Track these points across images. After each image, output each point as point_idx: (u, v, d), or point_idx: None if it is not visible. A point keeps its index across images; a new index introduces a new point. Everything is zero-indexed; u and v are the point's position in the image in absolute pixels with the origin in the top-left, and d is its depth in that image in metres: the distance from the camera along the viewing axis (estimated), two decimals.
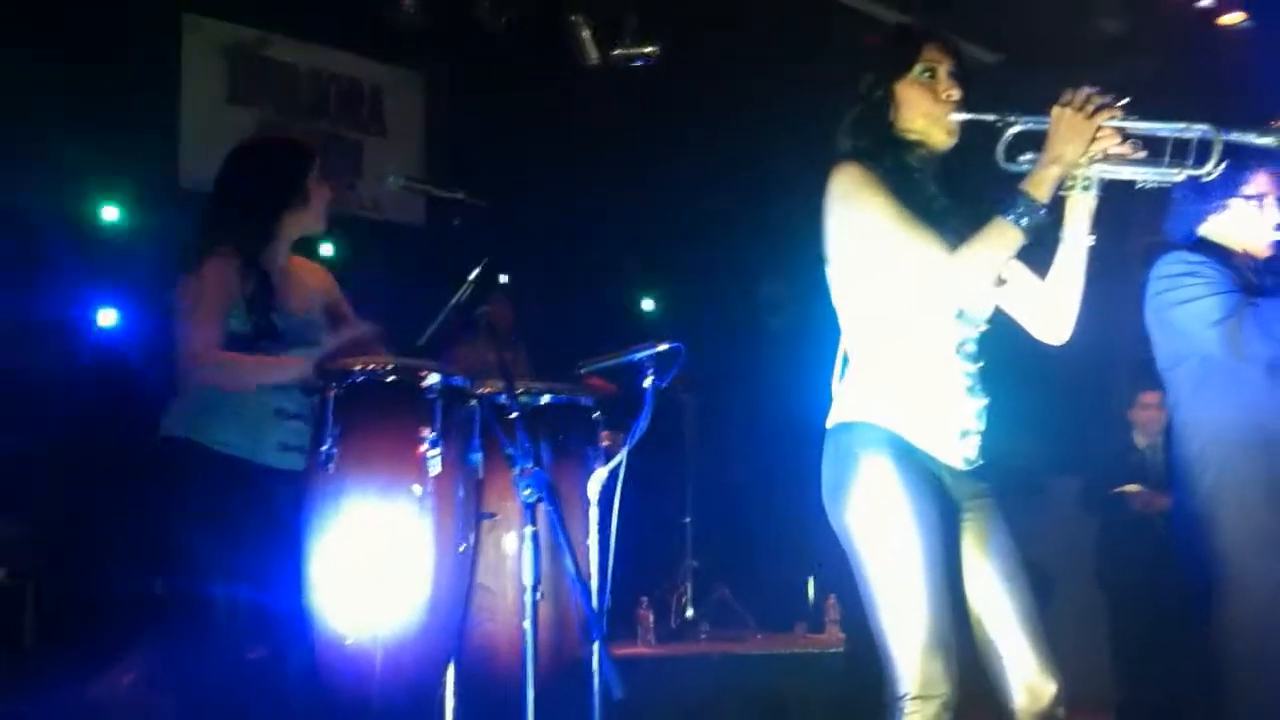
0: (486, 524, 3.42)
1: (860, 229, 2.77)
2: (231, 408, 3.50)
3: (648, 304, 8.08)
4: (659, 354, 3.57)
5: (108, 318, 5.82)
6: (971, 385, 2.81)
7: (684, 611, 6.46)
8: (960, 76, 2.85)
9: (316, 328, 3.67)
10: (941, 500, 2.73)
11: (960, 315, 2.80)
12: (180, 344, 3.49)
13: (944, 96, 2.81)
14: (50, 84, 5.35)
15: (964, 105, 2.81)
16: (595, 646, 3.38)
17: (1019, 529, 2.84)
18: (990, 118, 2.80)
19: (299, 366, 3.45)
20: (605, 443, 3.72)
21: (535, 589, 2.93)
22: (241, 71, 6.40)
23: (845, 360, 2.88)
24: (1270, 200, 3.61)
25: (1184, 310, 3.56)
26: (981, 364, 2.85)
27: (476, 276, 3.28)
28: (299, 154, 3.73)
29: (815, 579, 6.99)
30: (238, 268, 3.52)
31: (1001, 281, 2.84)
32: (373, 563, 3.21)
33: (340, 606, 3.22)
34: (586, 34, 6.64)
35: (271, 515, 3.40)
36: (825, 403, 2.91)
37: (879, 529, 2.69)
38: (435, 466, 3.26)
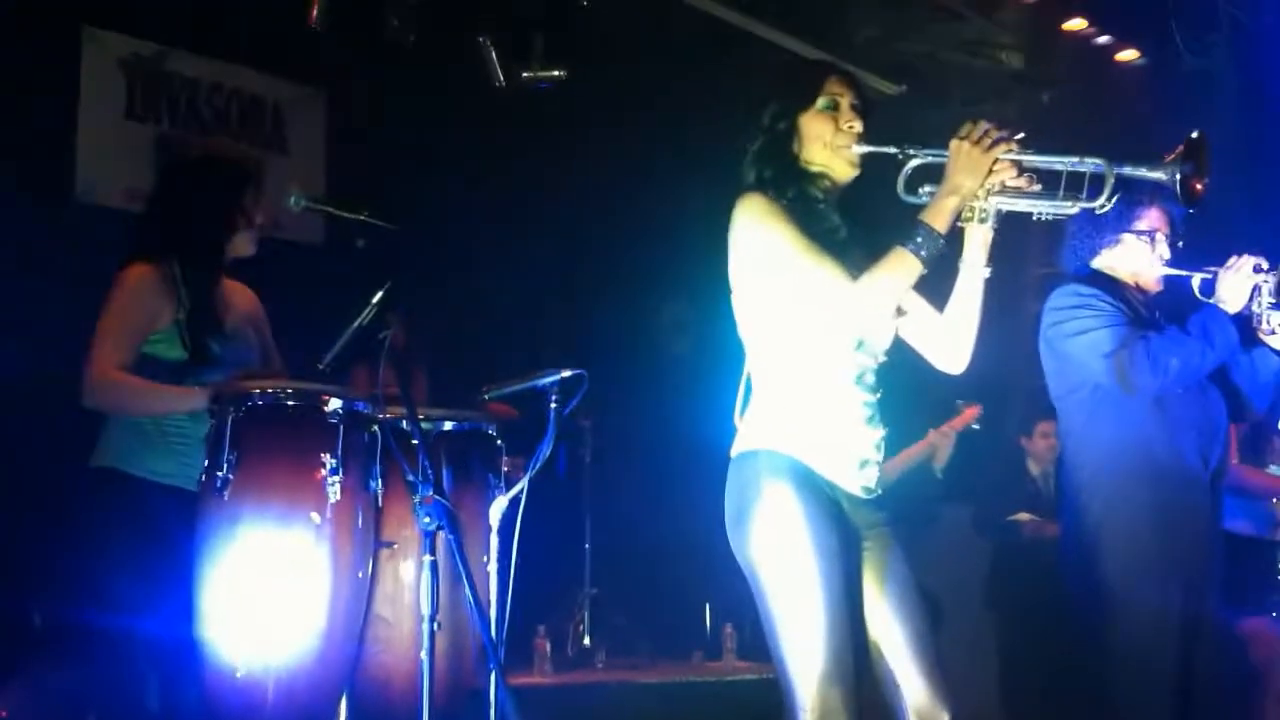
0: (385, 552, 3.36)
1: (764, 257, 2.78)
2: (160, 436, 3.45)
3: (549, 328, 8.05)
4: (563, 380, 3.56)
5: None
6: (870, 415, 2.84)
7: (581, 639, 6.42)
8: (862, 109, 2.89)
9: (249, 350, 3.61)
10: (842, 529, 2.75)
11: (860, 345, 2.83)
12: (87, 359, 3.41)
13: (846, 129, 2.85)
14: None
15: (866, 138, 2.85)
16: (492, 676, 3.34)
17: (913, 557, 2.87)
18: (891, 150, 2.84)
19: (197, 398, 3.39)
20: (506, 469, 3.69)
21: (433, 619, 2.90)
22: (140, 86, 6.27)
23: (749, 388, 2.90)
24: (1161, 236, 3.70)
25: (1076, 341, 3.63)
26: (880, 394, 2.88)
27: (379, 299, 3.23)
28: (247, 173, 3.70)
29: (711, 606, 7.00)
30: (168, 282, 3.45)
31: (901, 312, 2.88)
32: (267, 591, 3.14)
33: (232, 637, 3.14)
34: (493, 55, 6.62)
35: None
36: (724, 430, 2.92)
37: (781, 558, 2.70)
38: (335, 493, 3.20)
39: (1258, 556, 4.40)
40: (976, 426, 6.10)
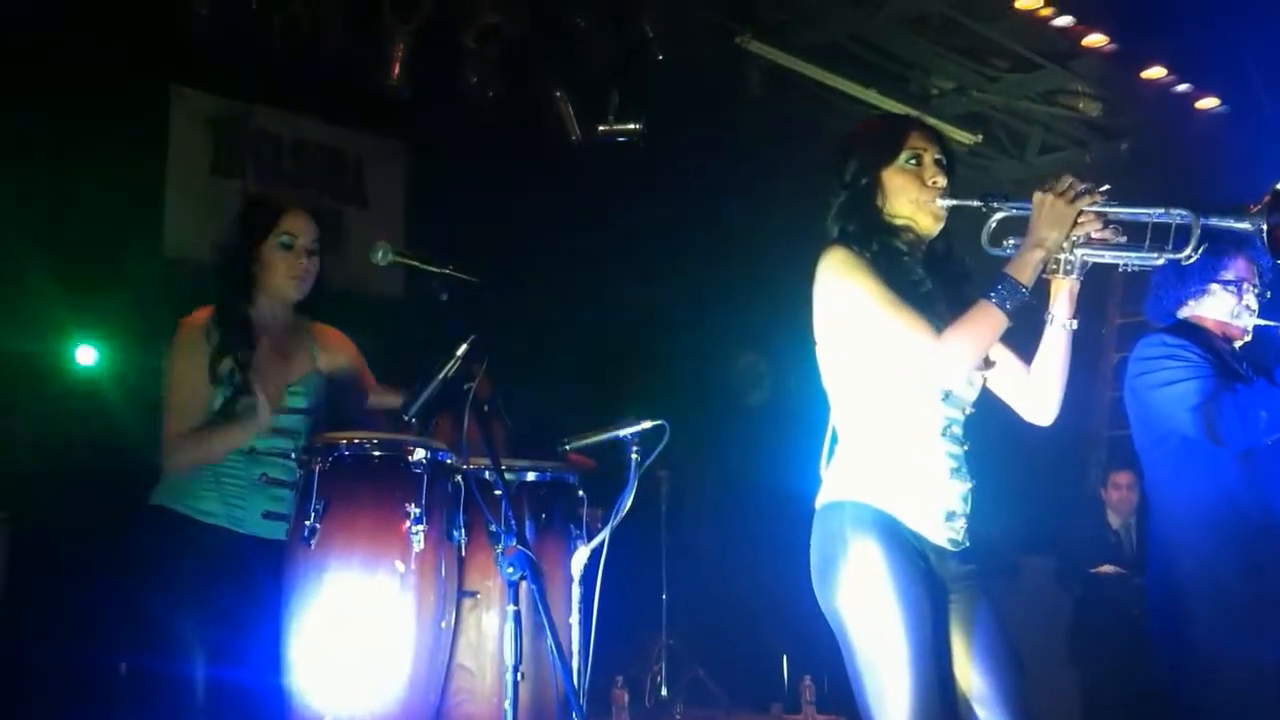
0: (468, 602, 3.39)
1: (849, 311, 2.79)
2: (213, 478, 3.48)
3: (630, 379, 8.09)
4: (643, 431, 3.58)
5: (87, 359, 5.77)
6: (958, 467, 2.83)
7: (659, 690, 6.40)
8: (945, 163, 2.90)
9: (312, 395, 3.65)
10: (929, 582, 2.73)
11: (947, 398, 2.82)
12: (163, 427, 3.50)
13: (930, 183, 2.86)
14: (41, 147, 5.38)
15: (950, 191, 2.86)
16: None
17: (999, 609, 2.84)
18: (975, 203, 2.85)
19: (254, 422, 3.43)
20: (587, 520, 3.71)
21: (516, 669, 2.91)
22: (225, 141, 6.42)
23: (834, 439, 2.90)
24: (1248, 286, 3.66)
25: (1163, 393, 3.59)
26: (967, 446, 2.87)
27: (463, 351, 3.27)
28: (263, 208, 3.70)
29: (789, 658, 6.94)
30: (208, 324, 3.52)
31: (989, 364, 2.87)
32: (352, 640, 3.18)
33: (318, 685, 3.17)
34: (569, 109, 6.71)
35: (253, 588, 3.37)
36: (798, 481, 2.91)
37: (868, 610, 2.68)
38: (419, 543, 3.24)
39: None
40: None
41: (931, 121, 3.08)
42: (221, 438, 3.46)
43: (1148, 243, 2.75)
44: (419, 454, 3.31)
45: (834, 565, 2.74)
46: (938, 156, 2.90)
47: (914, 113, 3.64)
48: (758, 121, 6.95)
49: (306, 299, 3.72)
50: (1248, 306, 3.67)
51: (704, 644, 6.83)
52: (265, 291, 3.65)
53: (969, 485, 2.84)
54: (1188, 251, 2.70)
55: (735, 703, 6.55)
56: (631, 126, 6.66)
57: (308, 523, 3.23)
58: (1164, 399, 3.58)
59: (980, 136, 7.47)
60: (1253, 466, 3.55)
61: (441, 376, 3.26)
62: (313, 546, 3.22)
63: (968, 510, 2.84)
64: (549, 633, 2.91)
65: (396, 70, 6.01)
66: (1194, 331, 3.67)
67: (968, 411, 2.89)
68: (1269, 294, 3.70)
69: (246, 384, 3.46)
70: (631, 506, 3.57)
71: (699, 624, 6.89)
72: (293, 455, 3.48)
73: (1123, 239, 2.77)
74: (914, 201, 2.86)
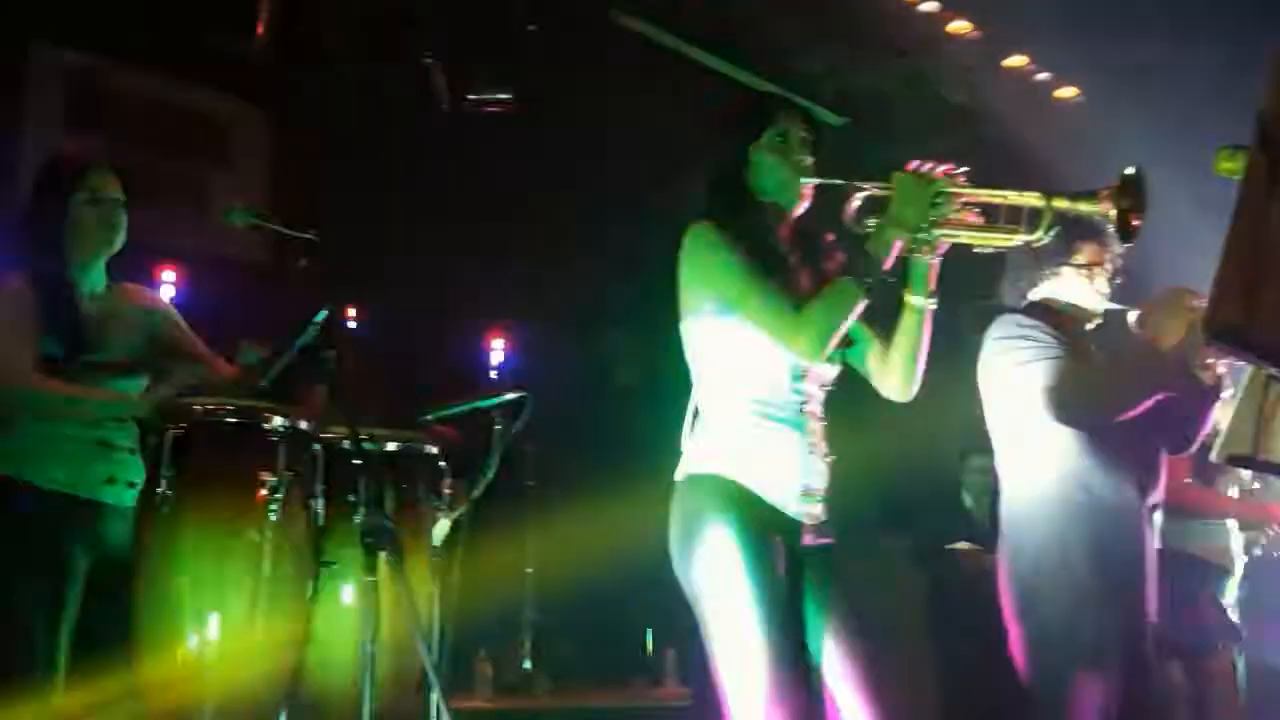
0: (326, 573, 3.34)
1: (713, 286, 2.81)
2: (55, 443, 3.37)
3: (495, 351, 8.04)
4: (507, 402, 3.56)
5: None
6: (815, 443, 2.87)
7: (522, 664, 6.39)
8: (811, 142, 2.93)
9: (134, 353, 3.55)
10: (785, 556, 2.77)
11: (805, 374, 2.86)
12: None
13: (795, 161, 2.89)
14: None
15: (814, 170, 2.89)
16: (433, 700, 3.32)
17: (853, 586, 2.89)
18: (839, 182, 2.88)
19: (124, 402, 3.34)
20: (450, 491, 3.68)
21: (372, 641, 2.88)
22: (83, 100, 6.22)
23: (696, 414, 2.91)
24: (1099, 270, 3.75)
25: (1015, 373, 3.65)
26: (826, 423, 2.91)
27: (322, 318, 3.22)
28: (67, 164, 3.62)
29: (653, 632, 6.99)
30: (21, 290, 3.41)
31: (848, 341, 2.91)
32: (206, 610, 3.12)
33: (171, 654, 3.11)
34: (440, 77, 6.62)
35: (104, 555, 3.28)
36: (669, 457, 2.93)
37: (721, 583, 2.71)
38: (275, 512, 3.18)
39: (1205, 582, 4.44)
40: None
41: (799, 101, 3.11)
42: (83, 403, 3.35)
43: (1002, 225, 2.81)
44: (276, 421, 3.25)
45: (690, 538, 2.77)
46: (804, 135, 2.93)
47: (783, 92, 3.67)
48: (630, 96, 6.94)
49: (116, 256, 3.60)
50: (1099, 290, 3.76)
51: (568, 617, 6.84)
52: (76, 249, 3.53)
53: (827, 461, 2.88)
54: (1040, 234, 2.77)
55: (599, 676, 6.58)
56: (501, 95, 6.60)
57: (160, 490, 3.16)
58: (1016, 379, 3.64)
59: (849, 119, 7.56)
60: (1101, 446, 3.63)
61: (299, 344, 3.20)
62: (165, 513, 3.15)
63: (825, 486, 2.88)
64: (408, 604, 2.88)
65: (261, 31, 5.87)
66: (1046, 313, 3.74)
67: (827, 388, 2.92)
68: (1120, 278, 3.80)
69: (83, 344, 3.36)
70: (497, 479, 3.55)
71: (564, 597, 6.89)
72: (132, 419, 3.39)
73: (979, 220, 2.83)
74: (779, 179, 2.89)
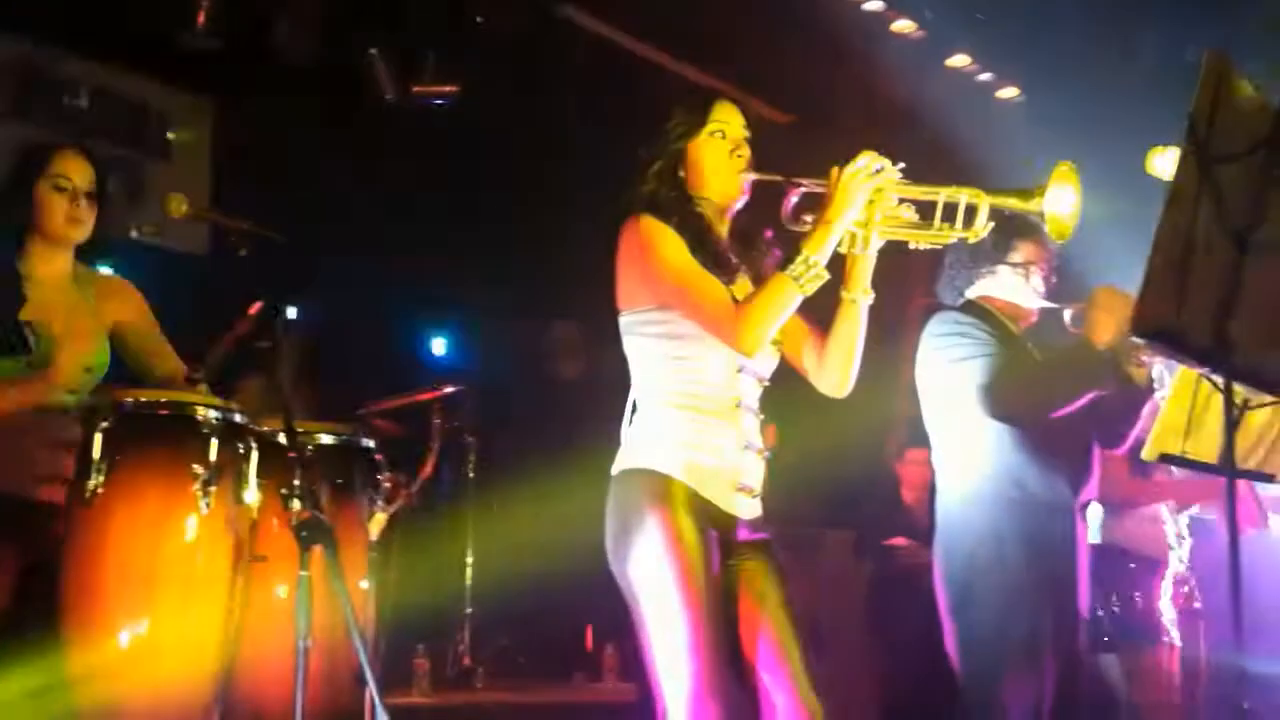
0: (259, 567, 3.31)
1: (650, 279, 2.82)
2: None
3: (437, 345, 8.01)
4: (446, 396, 3.55)
5: None
6: (751, 439, 2.87)
7: (461, 659, 6.35)
8: (750, 138, 2.94)
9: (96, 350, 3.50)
10: (721, 550, 2.78)
11: (742, 369, 2.87)
12: None
13: (734, 156, 2.90)
14: None
15: (753, 165, 2.90)
16: (368, 696, 3.30)
17: (793, 580, 2.90)
18: (776, 178, 2.90)
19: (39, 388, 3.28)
20: (387, 485, 3.66)
21: (306, 636, 2.86)
22: (21, 86, 6.12)
23: (634, 408, 2.92)
24: (1035, 268, 3.78)
25: (951, 370, 3.68)
26: (762, 418, 2.92)
27: (260, 310, 3.19)
28: (34, 149, 3.53)
29: (594, 628, 6.98)
30: None
31: (781, 337, 2.92)
32: (137, 605, 3.08)
33: (102, 651, 3.06)
34: (383, 69, 6.57)
35: (36, 554, 3.23)
36: (609, 450, 2.93)
37: (656, 580, 2.72)
38: (207, 505, 3.14)
39: (1141, 576, 4.48)
40: None
41: (739, 97, 3.12)
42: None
43: (938, 222, 2.83)
44: (208, 413, 3.21)
45: (626, 533, 2.77)
46: (742, 129, 2.94)
47: (725, 87, 3.68)
48: (576, 91, 6.94)
49: (86, 245, 3.54)
50: (1035, 288, 3.79)
51: (508, 613, 6.81)
52: (42, 237, 3.47)
53: (763, 455, 2.89)
54: (975, 230, 2.79)
55: (538, 671, 6.56)
56: (447, 88, 6.57)
57: (89, 483, 3.11)
58: (952, 376, 3.67)
59: (793, 116, 7.59)
60: (1035, 443, 3.66)
61: (234, 336, 3.17)
62: (95, 507, 3.10)
63: (761, 479, 2.89)
64: (343, 599, 2.86)
65: (201, 20, 5.80)
66: (983, 311, 3.77)
67: (764, 383, 2.94)
68: (1055, 277, 3.83)
69: (33, 337, 3.30)
70: (437, 474, 3.54)
71: (503, 593, 6.86)
72: (72, 413, 3.34)
73: (915, 217, 2.85)
74: (717, 173, 2.90)
